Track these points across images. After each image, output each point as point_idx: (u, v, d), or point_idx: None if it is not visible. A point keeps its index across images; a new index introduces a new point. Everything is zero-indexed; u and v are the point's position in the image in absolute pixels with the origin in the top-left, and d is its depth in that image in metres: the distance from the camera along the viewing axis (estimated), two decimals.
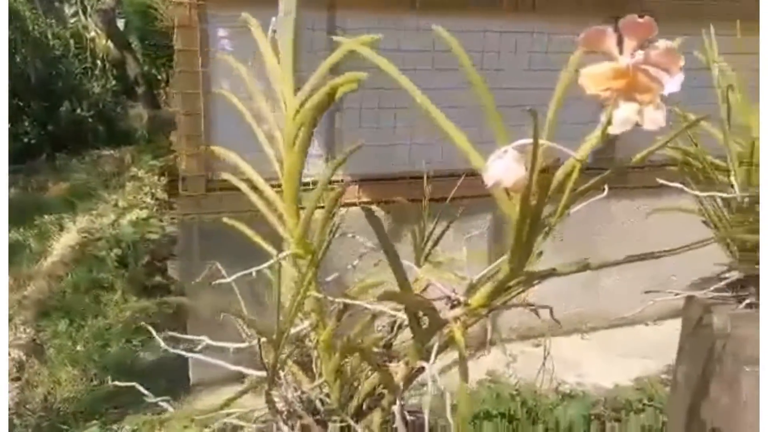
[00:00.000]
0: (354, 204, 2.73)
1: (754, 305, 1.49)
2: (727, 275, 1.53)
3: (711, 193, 1.38)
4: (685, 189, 1.40)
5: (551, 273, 0.95)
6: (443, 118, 0.90)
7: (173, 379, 2.86)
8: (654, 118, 0.76)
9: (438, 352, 1.03)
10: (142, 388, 1.32)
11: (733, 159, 1.40)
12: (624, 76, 0.70)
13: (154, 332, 1.34)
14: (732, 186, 1.41)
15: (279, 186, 1.21)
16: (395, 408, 1.08)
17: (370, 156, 2.72)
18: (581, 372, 2.74)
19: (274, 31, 1.95)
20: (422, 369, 1.03)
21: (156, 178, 5.14)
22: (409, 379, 1.06)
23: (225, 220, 1.34)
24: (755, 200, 1.43)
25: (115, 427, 2.09)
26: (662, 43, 0.69)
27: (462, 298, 0.98)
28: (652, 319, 3.47)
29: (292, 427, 1.12)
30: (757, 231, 1.44)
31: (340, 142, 2.80)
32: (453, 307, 1.00)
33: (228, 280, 1.13)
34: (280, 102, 1.16)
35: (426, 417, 0.97)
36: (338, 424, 1.14)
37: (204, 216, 2.62)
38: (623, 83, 0.71)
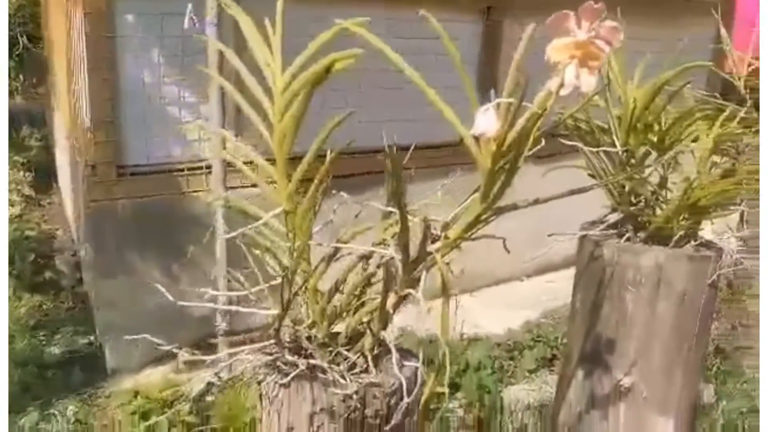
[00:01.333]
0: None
1: (632, 239, 1.87)
2: (610, 216, 1.89)
3: (599, 149, 1.72)
4: (580, 146, 1.74)
5: (513, 207, 1.21)
6: (433, 93, 1.13)
7: (87, 368, 2.85)
8: (589, 82, 1.04)
9: (418, 281, 1.26)
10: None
11: (614, 122, 1.76)
12: (582, 47, 0.97)
13: (162, 289, 1.44)
14: (614, 144, 1.76)
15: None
16: (384, 333, 1.30)
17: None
18: (476, 324, 3.09)
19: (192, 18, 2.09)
20: (409, 294, 1.26)
21: (21, 174, 4.88)
22: (396, 305, 1.28)
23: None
24: (631, 155, 1.80)
25: (55, 411, 2.10)
26: (608, 22, 0.96)
27: (441, 234, 1.22)
28: (525, 275, 3.94)
29: (295, 364, 1.29)
30: (632, 179, 1.81)
31: None
32: (434, 241, 1.24)
33: (233, 234, 1.28)
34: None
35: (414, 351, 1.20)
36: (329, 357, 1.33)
37: (117, 202, 2.65)
38: (581, 53, 0.98)
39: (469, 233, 1.23)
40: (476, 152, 1.16)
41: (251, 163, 1.42)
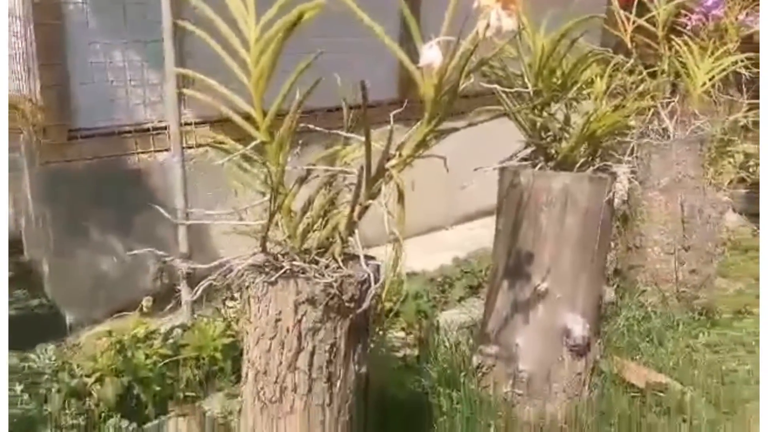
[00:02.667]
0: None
1: (543, 167, 2.23)
2: (524, 151, 2.25)
3: (513, 89, 2.05)
4: (497, 88, 2.07)
5: (452, 130, 1.52)
6: (389, 40, 1.41)
7: (47, 325, 2.99)
8: (508, 23, 1.35)
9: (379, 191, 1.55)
10: None
11: (525, 68, 2.10)
12: None
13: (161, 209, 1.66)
14: (526, 86, 2.10)
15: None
16: (352, 239, 1.58)
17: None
18: (411, 265, 3.42)
19: None
20: (370, 205, 1.55)
21: None
22: (360, 214, 1.56)
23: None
24: (539, 96, 2.14)
25: (33, 355, 2.27)
26: None
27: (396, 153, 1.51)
28: (449, 224, 4.32)
29: (280, 266, 1.55)
30: (540, 115, 2.16)
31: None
32: (389, 159, 1.53)
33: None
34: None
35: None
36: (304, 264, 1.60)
37: (70, 163, 2.78)
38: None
39: (418, 152, 1.53)
40: (421, 83, 1.46)
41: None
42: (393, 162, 1.52)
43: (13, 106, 3.18)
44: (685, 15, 3.12)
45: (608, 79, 2.24)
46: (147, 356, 2.27)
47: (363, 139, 1.47)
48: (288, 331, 1.56)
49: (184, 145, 2.81)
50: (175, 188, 2.58)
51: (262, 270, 1.59)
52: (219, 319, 2.50)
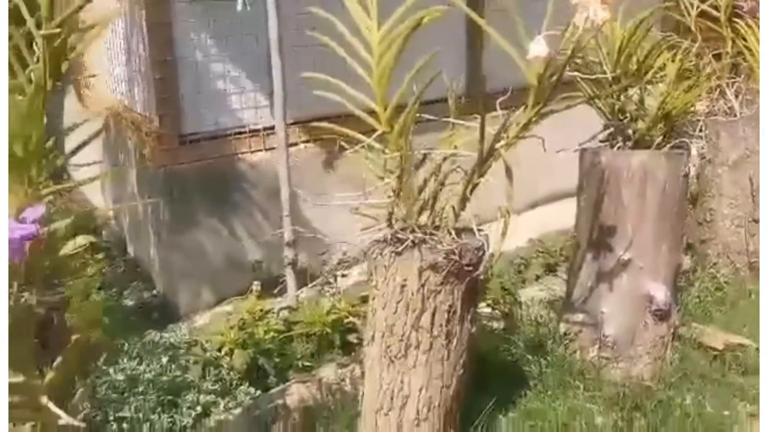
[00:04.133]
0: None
1: (622, 147, 2.41)
2: (604, 132, 2.44)
3: (595, 76, 2.24)
4: (578, 75, 2.26)
5: (550, 111, 1.73)
6: (501, 38, 1.63)
7: (162, 313, 3.31)
8: (604, 15, 1.56)
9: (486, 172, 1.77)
10: None
11: (604, 56, 2.29)
12: None
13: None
14: (605, 73, 2.29)
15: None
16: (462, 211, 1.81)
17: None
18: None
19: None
20: (478, 183, 1.77)
21: None
22: (472, 190, 1.79)
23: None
24: (617, 81, 2.32)
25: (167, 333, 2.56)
26: None
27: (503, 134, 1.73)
28: (518, 210, 4.51)
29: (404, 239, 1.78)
30: (619, 100, 2.35)
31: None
32: (498, 140, 1.75)
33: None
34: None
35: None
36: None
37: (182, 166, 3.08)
38: None
39: (522, 134, 1.75)
40: (527, 73, 1.68)
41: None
42: (502, 143, 1.74)
43: (119, 115, 3.51)
44: None
45: (679, 62, 2.40)
46: (265, 332, 2.54)
47: (466, 125, 1.70)
48: (413, 294, 1.79)
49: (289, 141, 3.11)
50: (281, 182, 2.84)
51: (388, 243, 1.83)
52: (324, 299, 2.77)
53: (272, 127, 3.21)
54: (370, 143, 1.84)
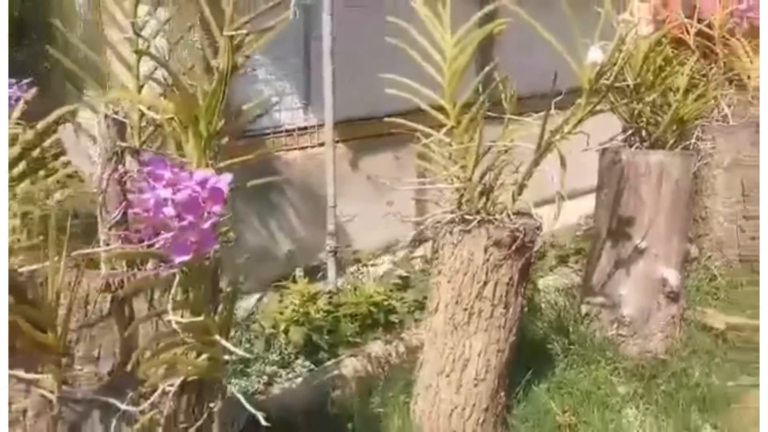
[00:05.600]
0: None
1: (639, 147, 2.72)
2: (623, 134, 2.74)
3: (620, 83, 2.54)
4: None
5: (599, 111, 2.02)
6: (561, 47, 1.91)
7: None
8: (647, 30, 1.86)
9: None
10: None
11: (626, 66, 2.60)
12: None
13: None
14: (626, 80, 2.60)
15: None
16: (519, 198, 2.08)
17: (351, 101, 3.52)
18: None
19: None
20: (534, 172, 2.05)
21: None
22: (528, 177, 2.06)
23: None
24: (638, 88, 2.63)
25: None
26: None
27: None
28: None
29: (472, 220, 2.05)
30: (640, 101, 2.65)
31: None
32: (553, 135, 2.03)
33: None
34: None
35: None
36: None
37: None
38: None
39: (574, 129, 2.03)
40: (581, 77, 1.97)
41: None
42: (557, 137, 2.02)
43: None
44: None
45: (689, 75, 2.73)
46: (316, 311, 2.77)
47: (523, 121, 1.98)
48: (478, 267, 2.05)
49: (318, 142, 3.35)
50: (327, 177, 3.08)
51: (457, 223, 2.09)
52: (359, 284, 3.02)
53: (305, 128, 3.46)
54: (440, 137, 2.10)
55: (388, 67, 2.10)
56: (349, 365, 2.61)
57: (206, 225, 1.14)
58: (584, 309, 2.84)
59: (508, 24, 2.03)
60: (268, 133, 3.46)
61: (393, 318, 2.87)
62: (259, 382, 2.42)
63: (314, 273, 3.28)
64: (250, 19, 1.37)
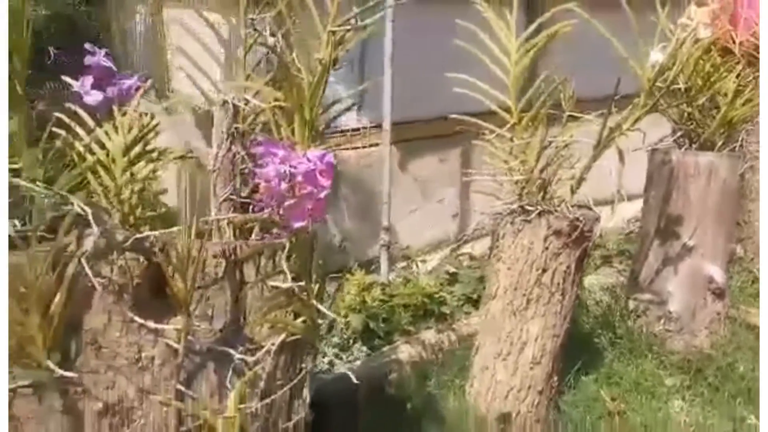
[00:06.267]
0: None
1: (687, 147, 2.83)
2: (673, 135, 2.85)
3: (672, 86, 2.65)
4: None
5: (655, 109, 2.13)
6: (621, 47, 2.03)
7: None
8: (706, 33, 1.97)
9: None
10: None
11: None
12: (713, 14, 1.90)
13: None
14: (679, 86, 2.70)
15: None
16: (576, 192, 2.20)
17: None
18: None
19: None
20: (591, 166, 2.17)
21: None
22: (587, 171, 2.18)
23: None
24: (688, 91, 2.74)
25: None
26: None
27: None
28: None
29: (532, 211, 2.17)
30: (690, 104, 2.76)
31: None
32: (613, 131, 2.15)
33: None
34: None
35: None
36: None
37: None
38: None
39: (633, 125, 2.15)
40: (641, 77, 2.09)
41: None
42: (616, 133, 2.15)
43: None
44: None
45: (737, 80, 2.83)
46: (372, 300, 2.91)
47: (586, 118, 2.11)
48: (537, 255, 2.18)
49: (370, 143, 3.51)
50: (383, 174, 3.24)
51: (518, 214, 2.22)
52: (417, 276, 3.16)
53: (357, 129, 3.63)
54: (501, 133, 2.23)
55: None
56: (405, 351, 2.74)
57: (321, 195, 1.29)
58: (631, 305, 2.94)
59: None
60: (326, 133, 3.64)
61: (444, 309, 3.00)
62: (323, 361, 2.57)
63: (367, 267, 3.43)
64: (351, 17, 1.52)
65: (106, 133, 1.69)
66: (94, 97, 1.67)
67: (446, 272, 3.31)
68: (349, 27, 1.51)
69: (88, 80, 1.68)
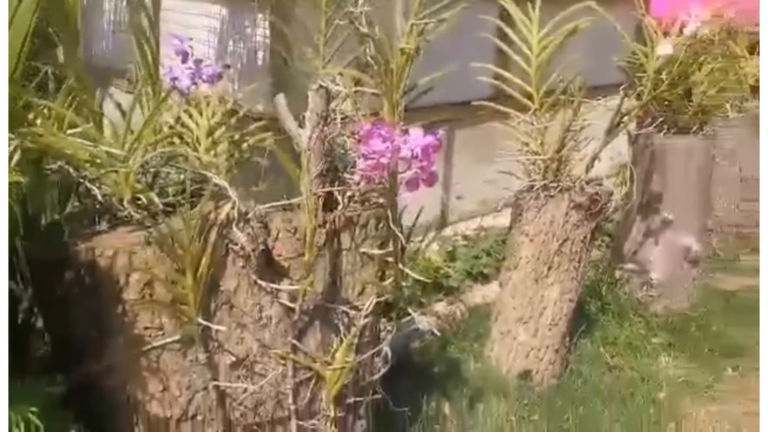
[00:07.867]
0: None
1: (667, 132, 3.15)
2: (656, 120, 3.17)
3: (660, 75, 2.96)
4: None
5: (655, 95, 2.42)
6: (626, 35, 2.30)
7: None
8: (705, 29, 2.27)
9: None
10: None
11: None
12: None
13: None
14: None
15: None
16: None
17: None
18: None
19: None
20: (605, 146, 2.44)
21: None
22: (595, 158, 2.45)
23: None
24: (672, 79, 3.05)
25: None
26: None
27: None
28: None
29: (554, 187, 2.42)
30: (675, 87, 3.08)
31: None
32: (623, 116, 2.42)
33: None
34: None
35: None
36: None
37: None
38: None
39: (641, 110, 2.43)
40: (647, 67, 2.37)
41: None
42: (625, 119, 2.42)
43: None
44: None
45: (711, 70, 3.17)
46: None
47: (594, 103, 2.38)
48: (559, 227, 2.43)
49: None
50: None
51: (541, 189, 2.46)
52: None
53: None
54: (525, 118, 2.47)
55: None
56: (422, 322, 2.95)
57: (433, 168, 1.48)
58: (618, 274, 3.25)
59: None
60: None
61: (452, 283, 3.24)
62: None
63: None
64: (432, 11, 1.71)
65: (191, 116, 1.83)
66: (184, 83, 1.80)
67: (445, 252, 3.54)
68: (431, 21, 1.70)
69: (178, 66, 1.80)
